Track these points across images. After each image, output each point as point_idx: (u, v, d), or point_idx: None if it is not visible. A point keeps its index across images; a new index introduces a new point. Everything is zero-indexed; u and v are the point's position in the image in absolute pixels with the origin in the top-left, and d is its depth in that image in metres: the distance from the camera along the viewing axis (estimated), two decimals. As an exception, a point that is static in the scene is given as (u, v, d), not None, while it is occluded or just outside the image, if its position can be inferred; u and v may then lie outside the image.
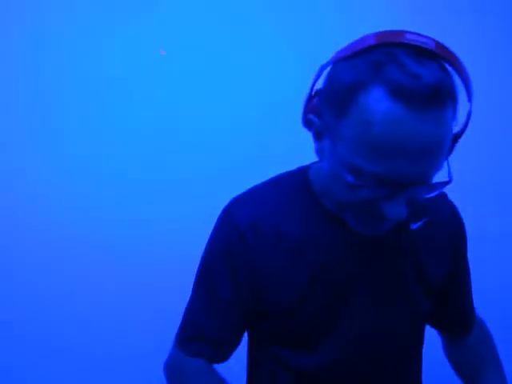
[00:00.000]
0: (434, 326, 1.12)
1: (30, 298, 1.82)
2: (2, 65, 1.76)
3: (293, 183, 0.98)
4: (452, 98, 0.76)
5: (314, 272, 0.93)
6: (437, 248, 1.00)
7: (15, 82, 1.77)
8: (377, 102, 0.74)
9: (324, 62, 0.84)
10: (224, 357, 1.01)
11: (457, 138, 0.84)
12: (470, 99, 0.81)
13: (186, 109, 1.84)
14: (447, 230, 1.02)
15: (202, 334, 0.99)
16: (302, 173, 0.99)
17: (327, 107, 0.81)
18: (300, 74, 1.80)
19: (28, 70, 1.77)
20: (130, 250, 1.85)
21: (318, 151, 0.87)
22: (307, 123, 0.87)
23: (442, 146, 0.76)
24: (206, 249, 1.01)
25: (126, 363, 1.87)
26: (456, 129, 0.82)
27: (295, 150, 1.65)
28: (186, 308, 1.03)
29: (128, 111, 1.81)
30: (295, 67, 1.85)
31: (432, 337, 1.19)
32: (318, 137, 0.86)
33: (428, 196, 0.82)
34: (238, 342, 1.02)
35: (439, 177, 0.86)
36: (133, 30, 1.81)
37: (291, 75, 1.85)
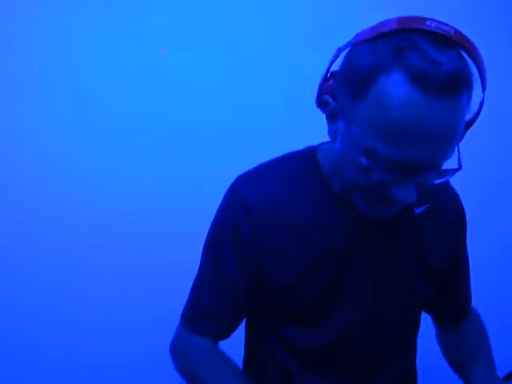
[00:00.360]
0: (430, 312, 1.15)
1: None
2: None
3: (301, 163, 0.99)
4: (468, 87, 0.77)
5: (317, 253, 0.95)
6: (438, 234, 1.02)
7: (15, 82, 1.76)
8: (395, 87, 0.75)
9: (342, 44, 0.85)
10: (228, 333, 1.02)
11: (468, 126, 0.85)
12: (483, 89, 0.82)
13: (185, 109, 1.83)
14: (449, 217, 1.04)
15: (207, 312, 1.00)
16: (310, 153, 0.99)
17: (343, 89, 0.82)
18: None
19: (28, 69, 1.76)
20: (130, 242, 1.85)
21: (331, 133, 0.88)
22: (322, 104, 0.88)
23: (455, 133, 0.77)
24: (212, 226, 1.02)
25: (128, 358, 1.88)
26: (468, 117, 0.83)
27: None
28: (192, 286, 1.04)
29: (127, 111, 1.79)
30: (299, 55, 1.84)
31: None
32: (331, 118, 0.87)
33: (437, 182, 0.83)
34: (242, 319, 1.04)
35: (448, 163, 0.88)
36: (132, 29, 1.79)
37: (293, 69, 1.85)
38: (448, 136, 0.76)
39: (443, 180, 0.83)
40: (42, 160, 1.78)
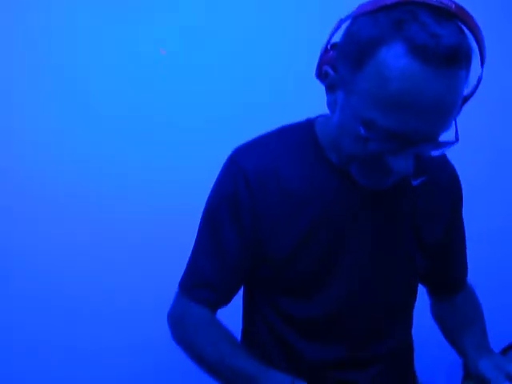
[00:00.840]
0: (424, 283, 1.17)
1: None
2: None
3: (299, 135, 1.00)
4: (467, 61, 0.78)
5: (315, 223, 0.96)
6: (434, 207, 1.04)
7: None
8: (395, 58, 0.76)
9: (344, 15, 0.86)
10: (226, 302, 1.04)
11: (465, 100, 0.86)
12: (482, 64, 0.83)
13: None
14: (445, 190, 1.05)
15: (206, 280, 1.01)
16: (308, 125, 1.00)
17: (344, 60, 0.83)
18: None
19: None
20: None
21: (330, 104, 0.89)
22: (321, 75, 0.89)
23: (454, 106, 0.78)
24: (210, 196, 1.03)
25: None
26: (466, 91, 0.84)
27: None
28: (191, 255, 1.05)
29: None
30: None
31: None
32: (331, 89, 0.88)
33: (435, 154, 0.84)
34: (240, 287, 1.05)
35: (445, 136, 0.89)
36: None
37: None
38: (446, 108, 0.78)
39: (440, 152, 0.85)
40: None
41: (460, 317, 1.14)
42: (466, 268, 1.17)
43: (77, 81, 1.75)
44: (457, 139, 0.83)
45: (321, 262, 0.98)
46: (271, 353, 1.06)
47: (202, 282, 1.02)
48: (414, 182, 0.96)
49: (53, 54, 1.73)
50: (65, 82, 1.75)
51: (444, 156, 1.07)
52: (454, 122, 0.82)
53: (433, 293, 1.20)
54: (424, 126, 0.78)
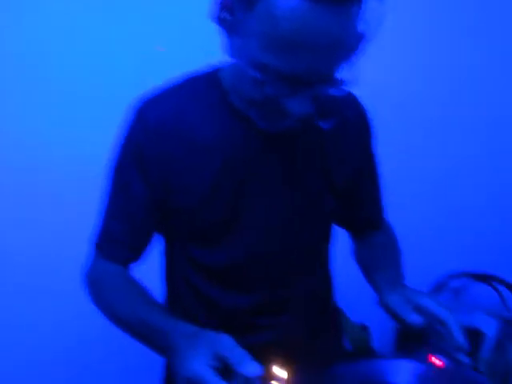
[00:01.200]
0: (341, 224, 1.18)
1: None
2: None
3: (203, 82, 0.98)
4: None
5: (220, 171, 0.96)
6: (344, 147, 1.04)
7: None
8: None
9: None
10: (138, 257, 1.04)
11: (365, 38, 0.86)
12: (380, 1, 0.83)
13: None
14: (355, 130, 1.05)
15: (116, 237, 1.01)
16: (213, 72, 0.99)
17: (238, 2, 0.81)
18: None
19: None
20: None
21: (228, 48, 0.87)
22: (219, 20, 0.87)
23: (346, 44, 0.78)
24: (118, 152, 1.01)
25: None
26: (363, 28, 0.83)
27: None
28: (101, 212, 1.04)
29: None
30: None
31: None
32: (228, 33, 0.86)
33: (333, 94, 0.84)
34: (150, 241, 1.05)
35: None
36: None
37: None
38: (338, 47, 0.77)
39: (339, 92, 0.84)
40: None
41: (375, 255, 1.16)
42: (381, 207, 1.18)
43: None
44: (355, 79, 0.83)
45: (229, 209, 0.98)
46: (191, 306, 1.07)
47: (115, 240, 1.01)
48: (325, 126, 0.96)
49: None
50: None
51: (351, 94, 1.07)
52: (352, 61, 0.82)
53: (350, 233, 1.22)
54: (317, 65, 0.77)
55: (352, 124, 1.05)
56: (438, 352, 0.91)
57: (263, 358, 0.78)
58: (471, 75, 1.99)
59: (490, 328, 1.78)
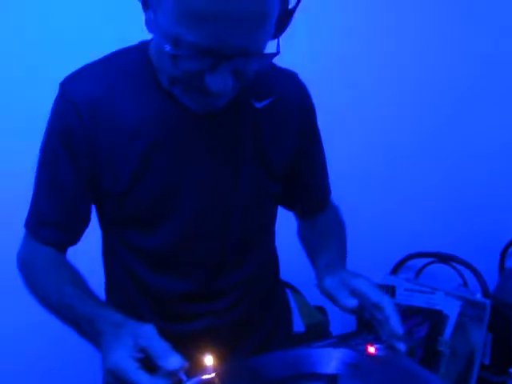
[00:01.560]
0: (284, 205, 1.14)
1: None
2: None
3: (134, 59, 0.94)
4: None
5: (149, 153, 0.92)
6: (281, 126, 1.00)
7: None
8: None
9: None
10: (74, 240, 1.00)
11: (290, 13, 0.81)
12: None
13: None
14: (293, 110, 1.01)
15: (48, 219, 0.97)
16: (142, 48, 0.94)
17: None
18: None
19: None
20: None
21: (146, 22, 0.82)
22: None
23: (264, 16, 0.74)
24: (45, 131, 0.96)
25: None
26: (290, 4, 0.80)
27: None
28: (32, 194, 1.00)
29: None
30: None
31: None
32: (145, 7, 0.81)
33: (254, 67, 0.80)
34: (86, 224, 1.01)
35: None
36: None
37: None
38: (254, 18, 0.73)
39: (261, 65, 0.81)
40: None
41: (317, 237, 1.13)
42: (326, 189, 1.15)
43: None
44: (278, 51, 0.79)
45: (160, 192, 0.94)
46: (129, 293, 1.04)
47: (45, 222, 0.97)
48: (258, 105, 0.92)
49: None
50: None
51: (291, 73, 1.02)
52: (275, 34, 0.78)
53: (295, 215, 1.18)
54: (233, 38, 0.74)
55: (290, 103, 1.00)
56: (375, 338, 0.87)
57: (198, 345, 0.76)
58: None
59: (451, 309, 1.77)
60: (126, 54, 0.95)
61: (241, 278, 1.05)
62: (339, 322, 1.84)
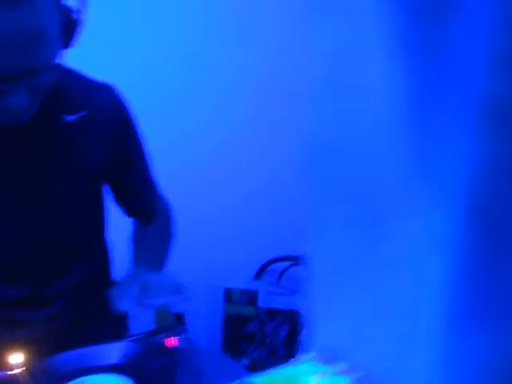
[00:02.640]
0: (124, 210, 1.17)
1: None
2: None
3: None
4: None
5: None
6: (97, 140, 1.03)
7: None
8: None
9: None
10: None
11: (75, 23, 0.87)
12: None
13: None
14: (108, 122, 1.04)
15: None
16: None
17: None
18: None
19: None
20: None
21: None
22: None
23: (33, 33, 0.78)
24: None
25: None
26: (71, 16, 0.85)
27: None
28: None
29: None
30: None
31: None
32: None
33: (49, 80, 0.85)
34: None
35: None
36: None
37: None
38: (27, 41, 0.77)
39: (51, 78, 0.85)
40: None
41: (138, 247, 1.17)
42: (151, 197, 1.17)
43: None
44: (58, 64, 0.84)
45: None
46: None
47: None
48: (69, 118, 0.96)
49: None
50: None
51: (107, 86, 1.06)
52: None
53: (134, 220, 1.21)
54: (12, 61, 0.78)
55: (104, 116, 1.04)
56: (177, 331, 0.93)
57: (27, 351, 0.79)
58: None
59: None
60: None
61: (66, 286, 1.07)
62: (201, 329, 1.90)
